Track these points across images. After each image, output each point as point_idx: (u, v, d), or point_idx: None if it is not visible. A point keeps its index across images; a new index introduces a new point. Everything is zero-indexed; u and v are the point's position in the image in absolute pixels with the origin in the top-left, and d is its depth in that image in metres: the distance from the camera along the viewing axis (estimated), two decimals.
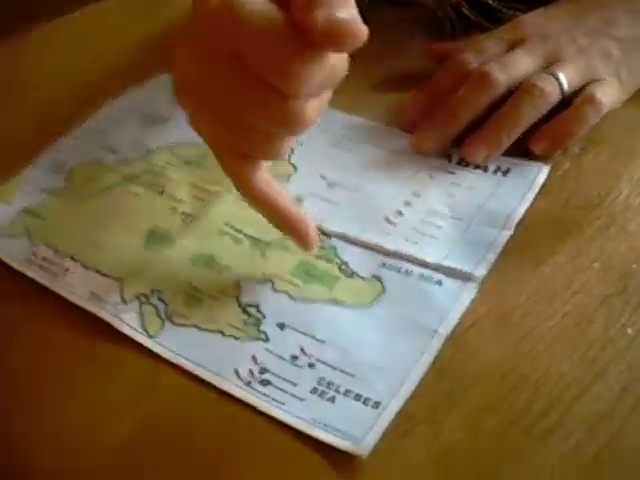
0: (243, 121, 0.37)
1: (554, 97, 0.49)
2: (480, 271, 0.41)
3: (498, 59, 0.51)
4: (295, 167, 0.50)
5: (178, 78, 0.39)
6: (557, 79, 0.49)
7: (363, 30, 0.31)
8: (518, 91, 0.49)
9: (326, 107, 0.38)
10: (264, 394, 0.37)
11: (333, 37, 0.31)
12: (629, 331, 0.38)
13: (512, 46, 0.52)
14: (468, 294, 0.40)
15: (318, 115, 0.37)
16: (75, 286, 0.43)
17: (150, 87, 0.61)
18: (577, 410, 0.35)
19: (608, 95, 0.49)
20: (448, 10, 0.64)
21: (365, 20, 0.31)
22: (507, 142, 0.49)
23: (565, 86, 0.49)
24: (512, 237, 0.43)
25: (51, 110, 0.61)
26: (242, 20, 0.33)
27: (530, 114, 0.48)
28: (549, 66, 0.50)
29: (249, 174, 0.39)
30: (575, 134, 0.49)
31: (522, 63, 0.50)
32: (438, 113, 0.51)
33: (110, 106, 0.59)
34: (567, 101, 0.49)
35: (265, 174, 0.40)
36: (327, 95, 0.38)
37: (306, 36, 0.32)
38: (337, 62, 0.35)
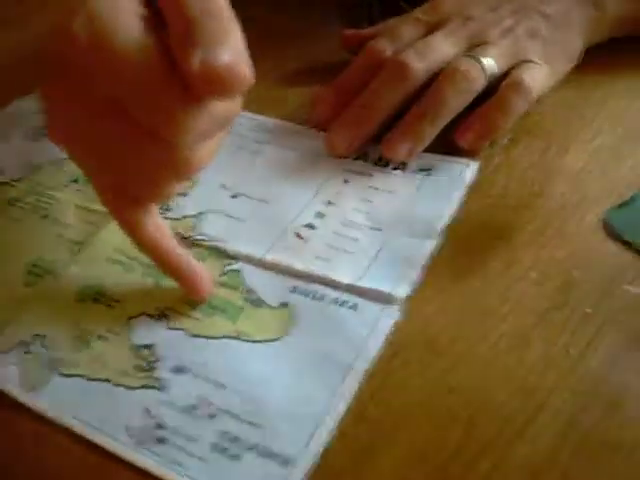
0: (125, 165, 0.32)
1: (479, 82, 0.44)
2: (402, 291, 0.36)
3: (415, 45, 0.46)
4: (194, 178, 0.45)
5: (48, 114, 0.33)
6: (480, 63, 0.44)
7: (247, 74, 0.27)
8: (440, 77, 0.44)
9: (219, 146, 0.34)
10: (158, 455, 0.31)
11: (213, 85, 0.27)
12: (572, 352, 0.33)
13: (431, 29, 0.47)
14: (389, 319, 0.35)
15: (211, 157, 0.33)
16: None
17: (36, 97, 0.55)
18: (516, 451, 0.30)
19: (537, 79, 0.45)
20: None
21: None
22: (430, 135, 0.44)
23: (491, 70, 0.44)
24: (437, 246, 0.39)
25: None
26: (113, 61, 0.28)
27: (454, 102, 0.44)
28: (472, 49, 0.46)
29: (138, 218, 0.35)
30: (503, 124, 0.44)
31: (442, 48, 0.46)
32: (351, 109, 0.46)
33: None
34: (494, 87, 0.44)
35: (155, 218, 0.36)
36: (220, 135, 0.33)
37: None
38: (228, 104, 0.30)
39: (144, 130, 0.30)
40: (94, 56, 0.29)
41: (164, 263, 0.37)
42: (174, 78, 0.28)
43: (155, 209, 0.36)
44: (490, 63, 0.44)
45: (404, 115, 0.44)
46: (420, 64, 0.44)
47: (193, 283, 0.37)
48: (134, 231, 0.36)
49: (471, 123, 0.44)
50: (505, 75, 0.45)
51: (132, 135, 0.31)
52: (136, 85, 0.29)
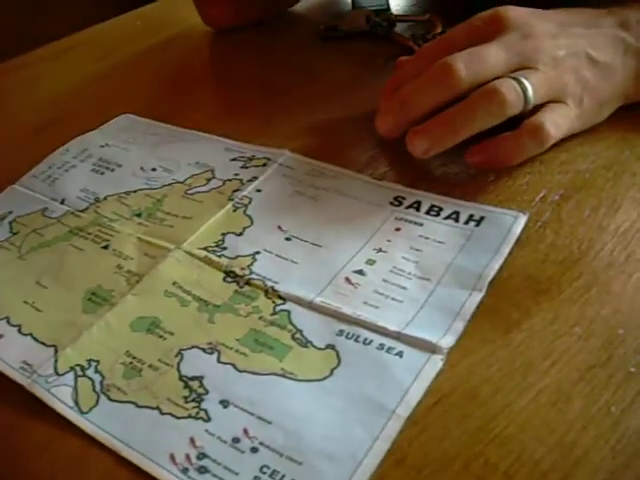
0: None
1: (515, 108, 0.45)
2: (447, 342, 0.36)
3: (467, 50, 0.46)
4: (251, 219, 0.46)
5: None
6: (524, 90, 0.45)
7: None
8: (478, 92, 0.45)
9: None
10: None
11: None
12: (613, 409, 0.33)
13: (487, 38, 0.48)
14: (432, 368, 0.35)
15: None
16: (7, 354, 0.39)
17: (105, 130, 0.57)
18: None
19: (560, 125, 0.46)
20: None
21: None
22: (450, 143, 0.46)
23: (530, 99, 0.45)
24: (483, 297, 0.39)
25: (3, 155, 0.58)
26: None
27: (484, 121, 0.45)
28: (520, 69, 0.46)
29: None
30: (513, 162, 0.47)
31: (494, 60, 0.46)
32: (392, 101, 0.48)
33: (62, 151, 0.55)
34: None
35: None
36: None
37: None
38: None
39: None
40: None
41: None
42: None
43: None
44: (532, 91, 0.45)
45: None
46: (466, 72, 0.45)
47: None
48: None
49: (484, 149, 0.46)
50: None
51: None
52: None
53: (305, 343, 0.38)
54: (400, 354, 0.36)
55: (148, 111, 0.60)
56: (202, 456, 0.33)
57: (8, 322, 0.41)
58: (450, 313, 0.38)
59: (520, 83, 0.45)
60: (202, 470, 0.33)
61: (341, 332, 0.38)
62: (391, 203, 0.46)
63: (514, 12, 0.49)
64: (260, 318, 0.39)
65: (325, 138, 0.54)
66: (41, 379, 0.37)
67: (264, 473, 0.32)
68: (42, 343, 0.40)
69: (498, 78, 0.45)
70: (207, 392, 0.36)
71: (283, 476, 0.32)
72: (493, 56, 0.46)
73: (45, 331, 0.40)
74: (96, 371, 0.38)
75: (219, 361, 0.37)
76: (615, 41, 0.49)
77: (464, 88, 0.45)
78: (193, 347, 0.38)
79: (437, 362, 0.36)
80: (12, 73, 0.73)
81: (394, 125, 0.49)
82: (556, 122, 0.46)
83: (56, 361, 0.38)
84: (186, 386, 0.36)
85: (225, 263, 0.43)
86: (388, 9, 0.71)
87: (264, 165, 0.51)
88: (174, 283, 0.42)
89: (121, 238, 0.46)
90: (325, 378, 0.36)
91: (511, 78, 0.45)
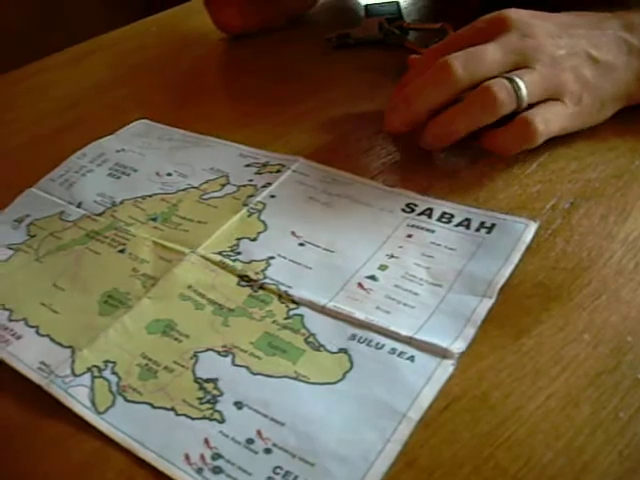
0: None
1: (506, 107, 0.46)
2: (458, 347, 0.37)
3: (466, 50, 0.48)
4: (265, 224, 0.47)
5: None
6: (516, 89, 0.46)
7: None
8: (473, 92, 0.47)
9: None
10: None
11: None
12: (621, 415, 0.34)
13: (490, 37, 0.49)
14: (443, 372, 0.36)
15: None
16: (25, 354, 0.40)
17: (122, 135, 0.58)
18: None
19: (550, 122, 0.47)
20: None
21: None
22: (450, 141, 0.49)
23: (523, 98, 0.47)
24: (494, 303, 0.40)
25: (21, 158, 0.59)
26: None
27: (478, 119, 0.47)
28: (519, 68, 0.48)
29: None
30: (506, 154, 0.49)
31: (491, 59, 0.47)
32: (395, 100, 0.51)
33: (79, 155, 0.56)
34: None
35: None
36: None
37: None
38: None
39: None
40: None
41: None
42: None
43: None
44: (525, 91, 0.46)
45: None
46: (463, 70, 0.47)
47: None
48: None
49: (481, 142, 0.49)
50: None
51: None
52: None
53: (318, 347, 0.38)
54: (412, 358, 0.37)
55: (162, 117, 0.61)
56: (216, 456, 0.34)
57: (26, 323, 0.42)
58: (461, 319, 0.39)
59: (512, 82, 0.46)
60: (216, 470, 0.33)
61: (353, 336, 0.39)
62: (403, 210, 0.47)
63: (516, 14, 0.50)
64: (274, 322, 0.40)
65: (338, 145, 0.54)
66: (58, 379, 0.38)
67: (277, 474, 0.33)
68: (59, 344, 0.40)
69: (495, 77, 0.47)
70: (221, 394, 0.37)
71: (296, 477, 0.33)
72: (490, 55, 0.48)
73: (62, 332, 0.41)
74: (112, 372, 0.38)
75: (233, 364, 0.38)
76: (618, 42, 0.50)
77: (462, 86, 0.47)
78: (208, 350, 0.39)
79: (448, 367, 0.36)
80: (28, 79, 0.74)
81: (400, 123, 0.51)
82: (547, 119, 0.47)
83: (73, 362, 0.39)
84: (201, 388, 0.37)
85: (239, 267, 0.43)
86: (401, 17, 0.72)
87: (278, 171, 0.52)
88: (189, 287, 0.43)
89: (137, 242, 0.47)
90: (337, 381, 0.36)
91: (504, 77, 0.47)
